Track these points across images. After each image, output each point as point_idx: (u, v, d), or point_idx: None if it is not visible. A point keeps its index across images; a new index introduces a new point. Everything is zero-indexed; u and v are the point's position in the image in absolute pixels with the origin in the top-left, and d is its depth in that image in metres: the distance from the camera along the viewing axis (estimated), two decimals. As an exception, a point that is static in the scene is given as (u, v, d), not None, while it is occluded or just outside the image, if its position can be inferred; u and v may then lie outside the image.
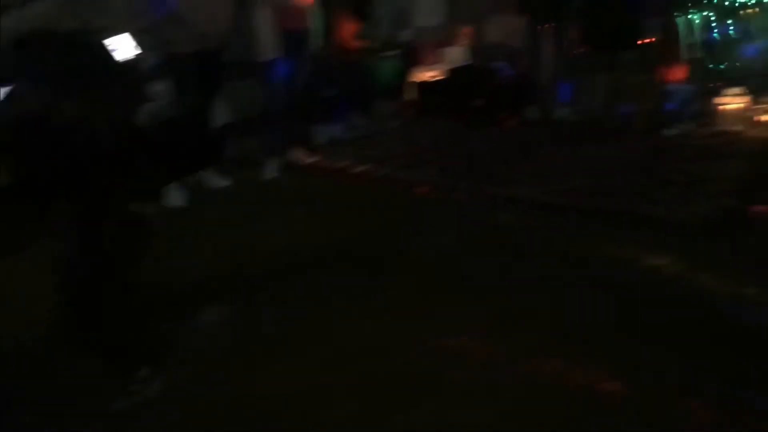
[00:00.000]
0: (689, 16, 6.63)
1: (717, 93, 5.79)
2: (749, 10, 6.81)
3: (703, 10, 6.73)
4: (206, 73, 4.29)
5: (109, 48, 2.60)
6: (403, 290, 3.03)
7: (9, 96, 2.28)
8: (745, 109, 5.66)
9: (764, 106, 5.61)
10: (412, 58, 7.02)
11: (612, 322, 2.70)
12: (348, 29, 6.18)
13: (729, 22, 6.83)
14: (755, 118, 5.60)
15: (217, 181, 4.67)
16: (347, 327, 2.73)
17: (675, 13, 5.65)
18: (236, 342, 2.69)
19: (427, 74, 6.99)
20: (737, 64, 6.81)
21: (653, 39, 5.83)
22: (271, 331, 2.75)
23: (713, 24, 6.76)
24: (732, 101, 5.71)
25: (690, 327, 2.63)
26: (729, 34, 6.85)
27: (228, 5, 4.36)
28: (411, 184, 4.65)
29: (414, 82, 6.89)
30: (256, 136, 5.07)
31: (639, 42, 5.43)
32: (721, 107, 5.74)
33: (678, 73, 5.59)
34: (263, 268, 3.35)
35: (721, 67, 6.79)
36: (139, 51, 3.96)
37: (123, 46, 2.66)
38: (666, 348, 2.48)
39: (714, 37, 6.83)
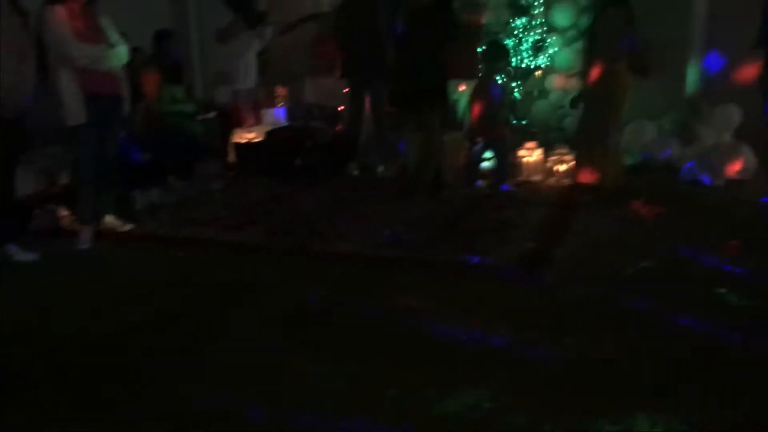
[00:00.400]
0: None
1: (518, 147, 6.32)
2: (539, 72, 7.59)
3: (503, 72, 7.38)
4: (7, 141, 4.00)
5: None
6: (225, 360, 2.99)
7: None
8: (541, 161, 6.24)
9: (556, 157, 6.21)
10: (231, 119, 7.00)
11: (443, 366, 2.85)
12: (163, 92, 6.07)
13: (522, 83, 7.55)
14: (550, 168, 6.19)
15: (23, 254, 4.33)
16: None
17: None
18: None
19: (247, 135, 7.00)
20: (532, 120, 7.53)
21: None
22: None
23: (512, 84, 7.43)
24: (530, 154, 6.27)
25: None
26: (524, 94, 7.56)
27: (28, 71, 4.13)
28: (235, 246, 4.59)
29: (234, 144, 6.87)
30: (67, 205, 4.78)
31: (444, 102, 5.80)
32: (522, 159, 6.28)
33: (483, 129, 5.99)
34: (59, 348, 3.16)
35: (519, 122, 7.46)
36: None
37: None
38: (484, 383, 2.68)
39: (514, 97, 7.50)
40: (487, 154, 6.35)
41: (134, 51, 6.32)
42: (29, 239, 4.53)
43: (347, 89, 6.73)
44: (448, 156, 6.08)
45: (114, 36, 4.61)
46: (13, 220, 4.38)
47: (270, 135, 6.78)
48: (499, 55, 6.11)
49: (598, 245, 4.43)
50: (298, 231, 4.83)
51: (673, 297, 3.52)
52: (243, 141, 6.89)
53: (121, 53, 4.61)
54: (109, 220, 4.88)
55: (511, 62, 7.19)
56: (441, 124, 5.83)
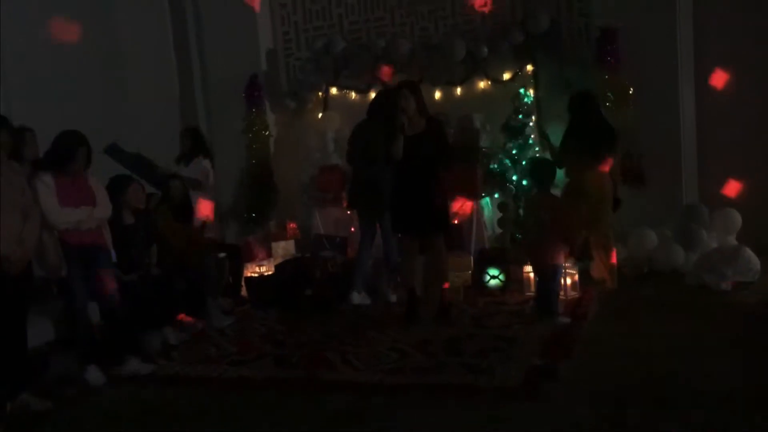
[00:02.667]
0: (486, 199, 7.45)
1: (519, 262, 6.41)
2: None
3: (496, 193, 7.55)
4: (11, 296, 4.23)
5: None
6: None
7: None
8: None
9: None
10: (242, 254, 7.21)
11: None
12: (176, 233, 6.31)
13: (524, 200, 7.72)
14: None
15: (37, 403, 4.40)
16: None
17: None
18: None
19: (258, 269, 7.17)
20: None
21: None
22: None
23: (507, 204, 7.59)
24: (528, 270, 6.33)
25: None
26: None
27: (32, 228, 4.39)
28: (243, 381, 4.63)
29: (245, 278, 7.03)
30: (76, 352, 4.90)
31: (447, 224, 5.96)
32: (528, 275, 6.34)
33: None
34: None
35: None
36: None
37: None
38: None
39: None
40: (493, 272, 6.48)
41: (149, 196, 6.63)
42: (44, 387, 4.61)
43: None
44: (454, 276, 6.18)
45: (101, 195, 4.97)
46: (27, 370, 4.49)
47: (279, 267, 6.95)
48: (546, 172, 5.76)
49: (604, 358, 4.42)
50: (305, 362, 4.88)
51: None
52: (254, 275, 7.06)
53: (101, 213, 4.95)
54: (133, 363, 4.96)
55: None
56: (445, 246, 5.98)
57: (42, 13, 7.20)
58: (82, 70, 7.59)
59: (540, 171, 5.80)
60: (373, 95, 8.29)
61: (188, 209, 6.56)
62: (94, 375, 4.79)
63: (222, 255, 6.72)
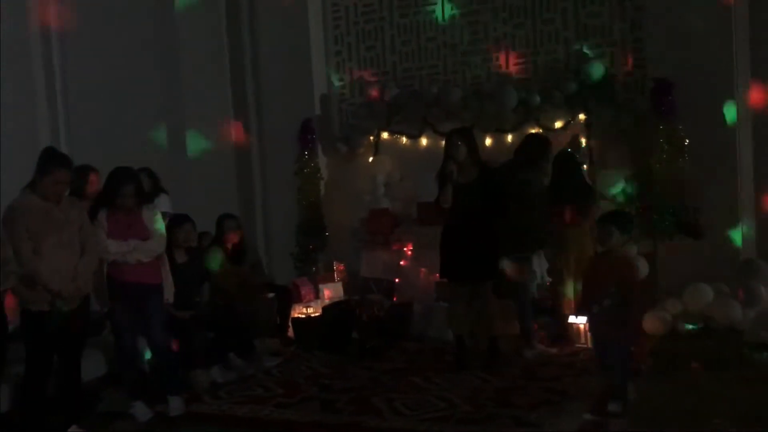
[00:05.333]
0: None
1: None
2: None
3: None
4: (67, 331, 4.36)
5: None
6: None
7: None
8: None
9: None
10: (291, 295, 7.26)
11: None
12: (228, 274, 6.40)
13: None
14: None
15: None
16: None
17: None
18: None
19: (305, 310, 7.20)
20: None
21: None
22: None
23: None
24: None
25: None
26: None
27: (89, 264, 4.53)
28: (288, 424, 4.62)
29: (293, 319, 7.06)
30: (126, 387, 4.99)
31: (495, 272, 5.91)
32: (576, 325, 6.22)
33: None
34: None
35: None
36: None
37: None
38: None
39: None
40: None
41: (202, 235, 6.76)
42: (94, 422, 4.68)
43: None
44: (502, 325, 6.09)
45: (155, 229, 5.01)
46: (79, 404, 4.57)
47: (326, 309, 6.96)
48: (628, 224, 5.13)
49: (658, 416, 4.28)
50: (352, 407, 4.84)
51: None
52: (301, 316, 7.09)
53: (150, 247, 4.97)
54: (170, 400, 5.01)
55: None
56: (494, 294, 5.93)
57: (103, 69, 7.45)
58: (141, 112, 7.82)
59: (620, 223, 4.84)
60: (424, 141, 8.41)
61: (241, 250, 6.65)
62: (141, 411, 4.86)
63: (271, 295, 6.78)
